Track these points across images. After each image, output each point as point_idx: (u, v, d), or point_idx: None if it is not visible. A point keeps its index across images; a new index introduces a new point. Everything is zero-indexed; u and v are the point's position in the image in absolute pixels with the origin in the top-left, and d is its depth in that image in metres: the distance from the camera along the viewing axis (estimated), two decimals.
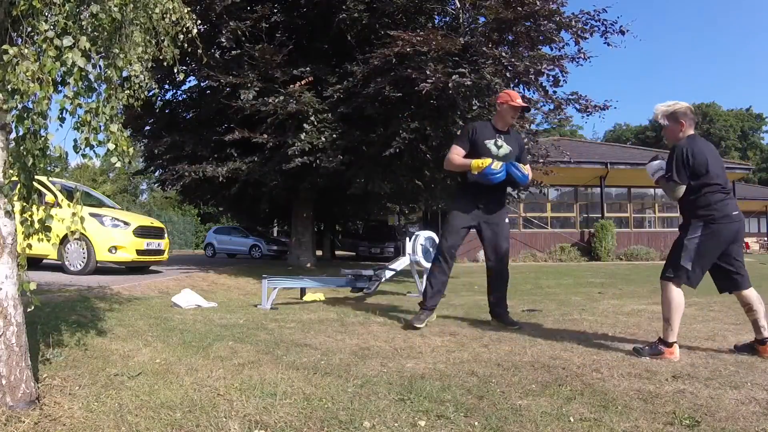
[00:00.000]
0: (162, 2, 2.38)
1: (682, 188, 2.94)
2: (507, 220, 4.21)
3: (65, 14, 1.73)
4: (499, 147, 3.99)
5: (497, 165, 3.85)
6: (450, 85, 6.91)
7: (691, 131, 3.00)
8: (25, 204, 1.88)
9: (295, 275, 7.14)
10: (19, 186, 1.85)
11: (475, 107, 7.63)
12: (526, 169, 4.04)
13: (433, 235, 6.16)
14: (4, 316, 1.81)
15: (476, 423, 1.83)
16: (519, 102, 4.04)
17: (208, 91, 9.51)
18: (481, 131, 4.05)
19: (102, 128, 1.85)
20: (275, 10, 8.47)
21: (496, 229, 4.04)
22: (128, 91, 2.10)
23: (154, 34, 2.42)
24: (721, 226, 2.88)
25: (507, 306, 4.11)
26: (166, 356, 2.69)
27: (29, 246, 1.95)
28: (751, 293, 2.97)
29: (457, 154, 4.01)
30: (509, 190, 6.96)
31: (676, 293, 2.92)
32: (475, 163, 3.87)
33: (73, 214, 1.92)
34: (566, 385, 2.28)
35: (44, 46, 1.72)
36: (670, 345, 2.86)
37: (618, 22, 8.07)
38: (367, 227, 22.21)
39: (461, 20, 8.28)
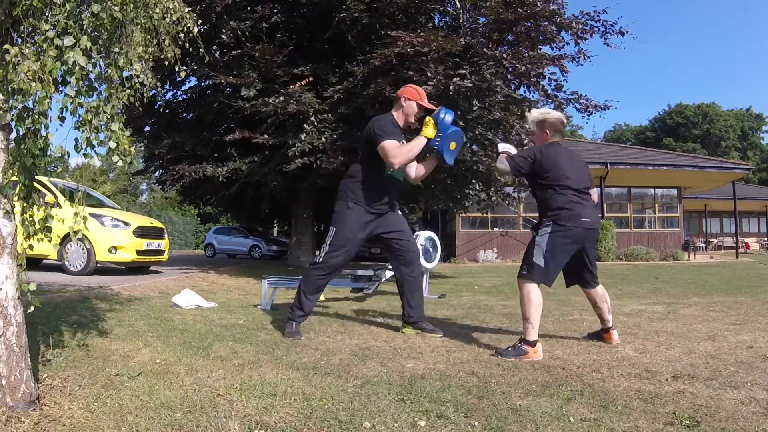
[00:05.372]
0: (162, 2, 2.38)
1: (508, 170, 3.10)
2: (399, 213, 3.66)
3: (66, 14, 1.73)
4: None
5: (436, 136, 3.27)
6: (451, 88, 6.92)
7: (555, 139, 3.17)
8: (25, 204, 1.88)
9: (295, 275, 7.14)
10: (19, 186, 1.85)
11: (475, 108, 7.63)
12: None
13: (433, 235, 6.16)
14: (4, 317, 1.80)
15: (476, 423, 1.83)
16: (427, 103, 3.43)
17: (209, 92, 9.53)
18: (397, 127, 3.41)
19: (103, 127, 1.85)
20: (275, 10, 8.48)
21: (401, 227, 3.54)
22: (129, 91, 2.10)
23: (154, 33, 2.42)
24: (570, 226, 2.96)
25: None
26: (166, 356, 2.69)
27: (30, 246, 1.95)
28: (598, 290, 3.21)
29: (396, 145, 3.29)
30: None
31: (534, 291, 2.94)
32: (427, 130, 3.27)
33: (76, 214, 1.92)
34: (566, 385, 2.28)
35: (45, 45, 1.71)
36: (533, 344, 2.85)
37: (618, 23, 8.10)
38: None
39: (461, 20, 8.29)
